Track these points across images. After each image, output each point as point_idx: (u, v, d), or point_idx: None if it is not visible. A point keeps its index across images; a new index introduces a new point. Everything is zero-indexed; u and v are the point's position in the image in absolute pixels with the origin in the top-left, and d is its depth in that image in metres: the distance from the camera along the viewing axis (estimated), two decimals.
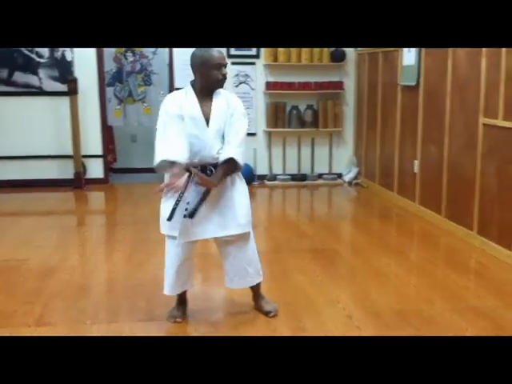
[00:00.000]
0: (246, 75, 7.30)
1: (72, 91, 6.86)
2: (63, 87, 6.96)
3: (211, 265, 4.08)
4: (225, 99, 3.12)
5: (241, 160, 3.09)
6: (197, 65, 3.05)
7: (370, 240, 4.98)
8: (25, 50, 6.94)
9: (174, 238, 3.13)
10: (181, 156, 2.95)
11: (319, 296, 3.69)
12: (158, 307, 3.47)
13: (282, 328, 3.24)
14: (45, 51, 6.99)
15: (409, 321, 3.33)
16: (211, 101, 3.09)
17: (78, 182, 7.01)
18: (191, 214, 3.05)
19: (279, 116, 7.36)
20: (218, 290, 3.69)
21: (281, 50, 7.15)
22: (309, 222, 5.74)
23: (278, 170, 7.49)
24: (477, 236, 4.69)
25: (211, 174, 3.06)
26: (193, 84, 3.12)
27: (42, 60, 7.00)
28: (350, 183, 7.36)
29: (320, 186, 7.36)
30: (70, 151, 6.99)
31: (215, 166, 3.07)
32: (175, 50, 7.06)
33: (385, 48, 6.32)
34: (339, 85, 7.40)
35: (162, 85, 7.56)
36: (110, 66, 7.63)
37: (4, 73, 6.96)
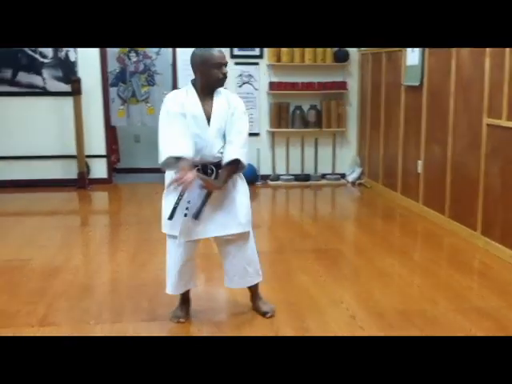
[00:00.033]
0: (250, 75, 7.30)
1: (75, 91, 6.87)
2: (67, 87, 6.97)
3: (214, 265, 4.07)
4: (225, 98, 3.13)
5: (245, 160, 3.10)
6: (197, 64, 3.06)
7: (373, 240, 4.98)
8: (28, 51, 6.96)
9: (174, 237, 3.13)
10: (187, 151, 2.96)
11: (322, 296, 3.69)
12: (161, 307, 3.47)
13: (285, 328, 3.24)
14: (48, 51, 7.00)
15: (412, 321, 3.33)
16: (212, 100, 3.09)
17: (82, 182, 7.03)
18: (196, 216, 3.05)
19: (282, 116, 7.36)
20: (221, 290, 3.69)
21: (284, 50, 7.15)
22: (312, 222, 5.74)
23: (281, 170, 7.49)
24: (480, 236, 4.68)
25: (212, 173, 3.06)
26: (193, 83, 3.12)
27: (45, 60, 7.01)
28: (353, 183, 7.35)
29: (323, 186, 7.36)
30: (73, 151, 7.01)
31: (216, 165, 3.07)
32: (178, 51, 7.06)
33: (388, 48, 6.31)
34: (342, 85, 7.40)
35: (166, 85, 7.56)
36: (114, 67, 7.64)
37: (8, 73, 6.98)
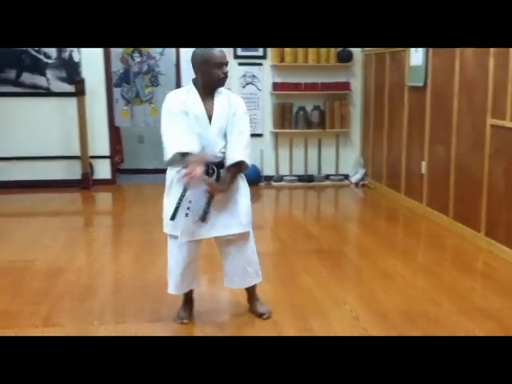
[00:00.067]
0: (253, 76, 7.30)
1: (79, 92, 6.88)
2: (71, 88, 6.98)
3: (217, 266, 4.06)
4: (226, 98, 3.13)
5: (249, 161, 3.11)
6: (198, 63, 3.06)
7: (376, 241, 4.97)
8: (32, 51, 6.98)
9: (176, 237, 3.14)
10: (193, 147, 2.97)
11: (326, 297, 3.68)
12: (164, 308, 3.48)
13: (288, 329, 3.23)
14: (52, 52, 7.02)
15: (416, 322, 3.32)
16: (213, 99, 3.09)
17: (86, 183, 7.04)
18: (203, 218, 3.05)
19: (286, 117, 7.36)
20: (224, 291, 3.68)
21: (287, 50, 7.15)
22: (315, 223, 5.73)
23: (284, 170, 7.49)
24: (484, 237, 4.67)
25: (213, 173, 3.06)
26: (195, 82, 3.12)
27: (49, 61, 7.03)
28: (356, 184, 7.34)
29: (327, 187, 7.35)
30: (77, 152, 7.02)
31: (217, 164, 3.07)
32: (182, 51, 7.07)
33: (392, 48, 6.31)
34: (346, 85, 7.39)
35: (169, 85, 7.56)
36: (118, 67, 7.65)
37: (12, 74, 6.99)
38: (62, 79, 7.06)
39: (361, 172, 7.40)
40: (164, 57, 7.75)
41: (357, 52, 7.35)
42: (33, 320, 3.33)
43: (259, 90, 7.33)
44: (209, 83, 3.07)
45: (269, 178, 7.38)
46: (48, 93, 7.07)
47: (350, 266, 4.44)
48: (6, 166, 7.05)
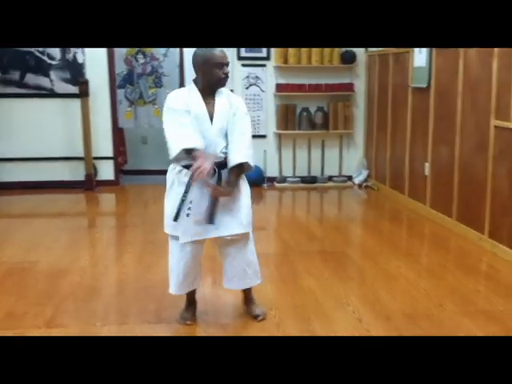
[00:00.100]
0: (257, 77, 7.30)
1: (83, 93, 6.89)
2: (74, 89, 6.99)
3: (220, 267, 4.06)
4: (227, 98, 3.13)
5: (252, 162, 3.12)
6: (198, 64, 3.07)
7: (380, 243, 4.97)
8: (36, 53, 6.99)
9: (177, 237, 3.15)
10: (199, 142, 2.98)
11: (328, 298, 3.68)
12: (167, 309, 3.48)
13: (291, 330, 3.23)
14: (56, 53, 7.03)
15: (419, 324, 3.32)
16: (213, 100, 3.10)
17: (89, 184, 7.05)
18: (211, 220, 3.07)
19: (289, 118, 7.36)
20: (227, 292, 3.68)
21: (291, 51, 7.15)
22: (318, 225, 5.73)
23: (287, 172, 7.49)
24: (488, 239, 4.66)
25: (214, 174, 3.06)
26: (196, 82, 3.13)
27: (53, 62, 7.04)
28: (360, 186, 7.34)
29: (330, 188, 7.35)
30: (81, 153, 7.03)
31: (218, 165, 3.07)
32: (186, 52, 7.06)
33: (395, 48, 6.31)
34: (350, 87, 7.39)
35: (173, 86, 7.56)
36: (121, 68, 7.67)
37: (16, 75, 7.01)
38: (66, 80, 7.08)
39: (364, 173, 7.40)
40: (168, 58, 7.76)
41: (360, 53, 7.35)
42: (36, 321, 3.34)
43: (263, 91, 7.33)
44: (209, 83, 3.07)
45: (272, 180, 7.38)
46: (52, 94, 7.08)
47: (353, 267, 4.44)
48: (10, 167, 7.07)
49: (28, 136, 7.06)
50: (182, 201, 3.04)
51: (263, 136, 7.36)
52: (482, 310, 3.54)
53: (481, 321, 3.36)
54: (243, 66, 7.22)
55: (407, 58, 6.10)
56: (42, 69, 7.03)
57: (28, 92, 7.04)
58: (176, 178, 3.11)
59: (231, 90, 3.43)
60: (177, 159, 3.03)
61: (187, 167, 3.06)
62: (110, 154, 7.30)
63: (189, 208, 3.07)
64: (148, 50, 7.73)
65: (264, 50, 7.26)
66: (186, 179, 3.06)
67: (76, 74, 7.04)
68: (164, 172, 3.25)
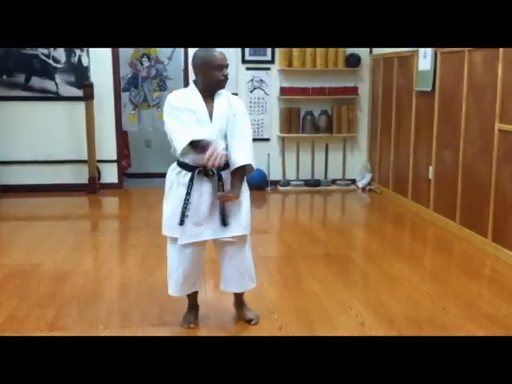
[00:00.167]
0: (261, 80, 7.31)
1: (88, 96, 6.91)
2: (79, 92, 7.01)
3: None
4: (226, 99, 3.14)
5: (254, 164, 3.13)
6: (198, 65, 3.07)
7: (383, 246, 4.96)
8: (42, 56, 7.02)
9: (176, 239, 3.15)
10: (206, 134, 2.98)
11: (332, 302, 3.68)
12: (169, 312, 3.48)
13: (293, 334, 3.23)
14: (61, 56, 7.06)
15: (422, 328, 3.31)
16: (213, 101, 3.10)
17: (93, 187, 7.06)
18: (224, 223, 3.10)
19: (293, 121, 7.36)
20: (229, 295, 3.67)
21: (295, 55, 7.15)
22: (322, 228, 5.72)
23: (291, 175, 7.49)
24: (491, 243, 4.65)
25: (213, 175, 3.07)
26: (196, 83, 3.14)
27: (58, 65, 7.07)
28: (363, 189, 7.33)
29: (333, 191, 7.34)
30: (84, 156, 7.05)
31: (217, 167, 3.07)
32: (190, 56, 7.07)
33: (399, 47, 6.31)
34: (354, 90, 7.39)
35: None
36: (126, 72, 7.68)
37: (21, 78, 7.04)
38: (71, 83, 7.10)
39: (368, 177, 7.39)
40: (172, 61, 7.77)
41: (365, 56, 7.34)
42: (39, 324, 3.34)
43: (267, 94, 7.33)
44: (209, 85, 3.08)
45: (275, 183, 7.38)
46: (57, 97, 7.10)
47: (356, 270, 4.43)
48: (14, 170, 7.08)
49: (32, 139, 7.08)
50: (186, 204, 3.05)
51: (267, 139, 7.36)
52: (485, 313, 3.53)
53: (484, 324, 3.35)
54: (247, 69, 7.23)
55: (412, 61, 6.09)
56: (47, 72, 7.05)
57: (33, 95, 7.06)
58: (175, 179, 3.11)
59: (235, 94, 3.45)
60: (182, 154, 3.02)
61: (186, 168, 3.07)
62: (114, 157, 7.31)
63: (188, 209, 3.07)
64: (153, 54, 7.75)
65: (268, 53, 7.27)
66: (186, 180, 3.06)
67: (81, 77, 7.06)
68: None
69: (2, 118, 7.01)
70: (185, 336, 3.21)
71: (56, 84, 7.08)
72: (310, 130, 7.36)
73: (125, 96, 7.69)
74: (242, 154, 3.07)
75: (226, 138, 3.10)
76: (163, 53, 7.74)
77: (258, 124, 7.35)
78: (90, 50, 7.03)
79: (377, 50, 7.19)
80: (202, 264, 3.33)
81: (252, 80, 7.29)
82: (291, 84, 7.30)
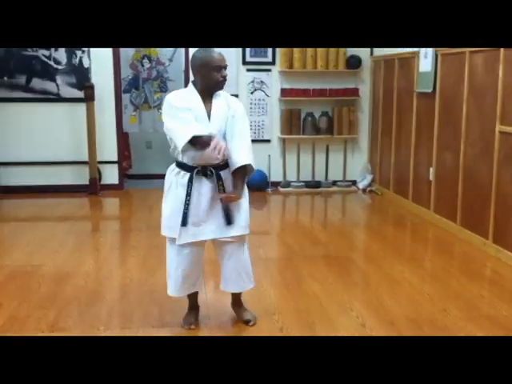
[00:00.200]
0: (261, 82, 7.31)
1: (89, 98, 6.91)
2: (80, 94, 7.02)
3: None
4: (225, 100, 3.14)
5: (254, 164, 3.14)
6: (197, 66, 3.08)
7: (384, 247, 4.96)
8: (43, 57, 7.02)
9: (175, 240, 3.15)
10: (207, 131, 2.99)
11: (332, 303, 3.68)
12: (170, 313, 3.48)
13: (294, 335, 3.22)
14: (62, 58, 7.06)
15: (423, 329, 3.31)
16: (211, 102, 3.11)
17: (94, 188, 7.06)
18: (229, 221, 3.11)
19: (294, 123, 7.36)
20: (230, 296, 3.68)
21: (296, 56, 7.15)
22: (322, 229, 5.72)
23: (292, 176, 7.49)
24: (492, 244, 4.65)
25: (212, 175, 3.08)
26: (194, 84, 3.14)
27: (59, 67, 7.07)
28: (364, 190, 7.33)
29: (334, 193, 7.34)
30: (85, 157, 7.05)
31: (215, 167, 3.08)
32: (191, 57, 7.08)
33: (399, 47, 6.31)
34: (354, 91, 7.39)
35: None
36: (127, 73, 7.69)
37: (22, 79, 7.04)
38: (72, 85, 7.10)
39: (368, 178, 7.39)
40: (173, 63, 7.77)
41: (365, 58, 7.35)
42: (39, 325, 3.34)
43: (267, 95, 7.34)
44: (208, 86, 3.08)
45: (276, 184, 7.38)
46: (58, 98, 7.11)
47: (357, 272, 4.43)
48: (15, 171, 7.09)
49: (33, 140, 7.08)
50: (187, 204, 3.06)
51: (267, 140, 7.37)
52: (486, 315, 3.53)
53: (485, 326, 3.35)
54: (248, 70, 7.24)
55: (412, 62, 6.09)
56: (48, 73, 7.06)
57: (34, 96, 7.07)
58: (174, 180, 3.12)
59: (236, 95, 3.44)
60: (184, 151, 3.01)
61: (185, 168, 3.08)
62: (115, 159, 7.31)
63: (188, 210, 3.08)
64: (154, 55, 7.76)
65: (269, 54, 7.27)
66: (185, 181, 3.07)
67: (82, 79, 7.07)
68: None
69: (3, 120, 7.02)
70: (185, 336, 3.21)
71: (57, 85, 7.09)
72: (310, 132, 7.36)
73: (125, 97, 7.69)
74: (243, 154, 3.08)
75: (224, 138, 3.10)
76: (164, 54, 7.74)
77: (259, 125, 7.36)
78: (91, 51, 7.04)
79: (377, 52, 7.19)
80: (203, 264, 3.33)
81: (253, 81, 7.29)
82: (292, 85, 7.30)
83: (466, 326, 3.34)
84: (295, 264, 4.47)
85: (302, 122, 7.38)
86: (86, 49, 7.03)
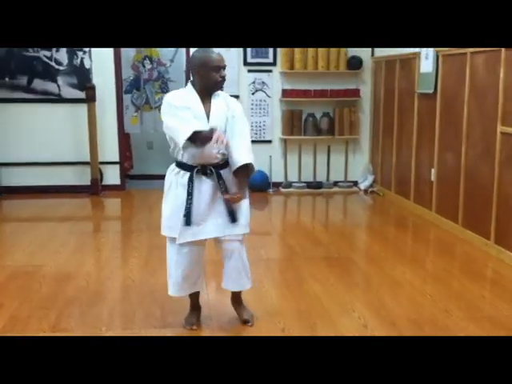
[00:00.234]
0: (263, 83, 7.31)
1: (90, 98, 6.92)
2: (81, 94, 7.02)
3: None
4: (224, 100, 3.15)
5: (255, 164, 3.14)
6: (196, 66, 3.08)
7: (385, 248, 4.95)
8: (44, 58, 7.03)
9: (175, 239, 3.15)
10: (207, 127, 2.99)
11: (334, 304, 3.67)
12: (172, 314, 3.48)
13: (296, 336, 3.22)
14: (64, 58, 7.07)
15: (424, 330, 3.31)
16: (210, 102, 3.11)
17: (95, 189, 7.07)
18: (233, 219, 3.11)
19: (295, 123, 7.36)
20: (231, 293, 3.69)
21: (297, 57, 7.15)
22: (324, 230, 5.72)
23: (293, 177, 7.49)
24: (494, 245, 4.64)
25: (211, 174, 3.08)
26: (193, 84, 3.14)
27: (60, 67, 7.08)
28: (365, 191, 7.33)
29: (335, 193, 7.34)
30: (87, 158, 7.05)
31: (215, 166, 3.08)
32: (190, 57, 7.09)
33: (400, 47, 6.31)
34: (356, 92, 7.39)
35: None
36: (128, 74, 7.70)
37: (23, 80, 7.05)
38: (73, 86, 7.10)
39: (370, 179, 7.39)
40: (174, 64, 7.79)
41: (367, 59, 7.35)
42: (41, 325, 3.34)
43: (268, 96, 7.34)
44: (206, 86, 3.09)
45: (277, 185, 7.38)
46: (59, 99, 7.12)
47: (358, 272, 4.43)
48: (17, 172, 7.09)
49: (35, 141, 7.09)
50: (189, 204, 3.06)
51: (269, 141, 7.37)
52: (487, 315, 3.52)
53: (486, 327, 3.35)
54: (249, 71, 7.24)
55: (413, 63, 6.09)
56: (50, 74, 7.06)
57: (35, 97, 7.07)
58: (174, 180, 3.13)
59: (237, 96, 3.44)
60: (184, 147, 3.01)
61: (185, 168, 3.08)
62: (116, 159, 7.32)
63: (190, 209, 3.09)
64: (155, 56, 7.77)
65: (270, 55, 7.27)
66: (185, 180, 3.07)
67: (83, 80, 7.07)
68: None
69: (4, 120, 7.02)
70: (187, 336, 3.21)
71: (58, 86, 7.09)
72: (311, 132, 7.36)
73: (127, 98, 7.70)
74: (243, 154, 3.09)
75: None
76: (165, 55, 7.76)
77: (260, 126, 7.36)
78: (92, 52, 7.04)
79: (378, 52, 7.19)
80: (203, 264, 3.33)
81: (254, 82, 7.29)
82: (293, 86, 7.31)
83: (467, 327, 3.34)
84: (297, 265, 4.47)
85: (303, 122, 7.38)
86: (87, 50, 7.03)
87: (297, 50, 7.12)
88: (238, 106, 3.20)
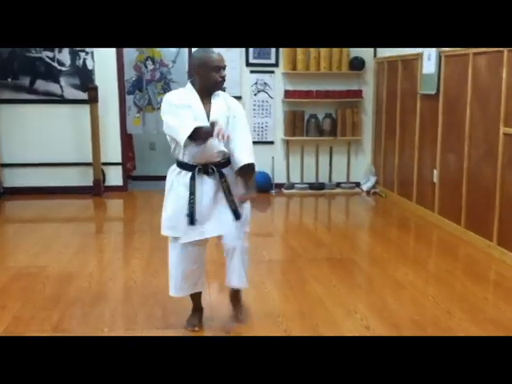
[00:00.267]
0: (265, 83, 7.31)
1: (92, 99, 6.92)
2: (84, 95, 7.03)
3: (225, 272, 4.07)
4: (224, 100, 3.16)
5: (256, 164, 3.15)
6: (196, 66, 3.09)
7: (388, 250, 4.95)
8: (46, 59, 7.04)
9: (176, 239, 3.16)
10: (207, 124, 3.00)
11: (336, 306, 3.67)
12: (174, 315, 3.48)
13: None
14: (66, 59, 7.07)
15: (427, 331, 3.30)
16: (210, 102, 3.12)
17: (98, 190, 7.07)
18: (238, 217, 3.11)
19: (297, 124, 7.36)
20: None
21: (299, 58, 7.15)
22: (326, 231, 5.72)
23: (295, 178, 7.48)
24: (496, 247, 4.63)
25: (213, 173, 3.09)
26: (193, 84, 3.15)
27: (63, 68, 7.08)
28: (368, 192, 7.32)
29: (338, 194, 7.34)
30: (89, 159, 7.06)
31: (216, 164, 3.08)
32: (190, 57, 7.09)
33: (403, 47, 6.31)
34: (358, 93, 7.39)
35: None
36: (131, 75, 7.70)
37: (26, 81, 7.06)
38: (76, 86, 7.11)
39: (372, 180, 7.38)
40: (176, 64, 7.79)
41: (369, 60, 7.34)
42: (43, 326, 3.35)
43: (271, 97, 7.34)
44: (206, 86, 3.09)
45: (280, 186, 7.37)
46: (61, 100, 7.12)
47: (360, 274, 4.43)
48: (19, 172, 7.10)
49: (37, 142, 7.09)
50: (192, 204, 3.06)
51: (271, 142, 7.37)
52: (490, 317, 3.52)
53: (489, 329, 3.34)
54: (252, 72, 7.24)
55: (416, 64, 6.09)
56: (52, 75, 7.07)
57: (38, 98, 7.08)
58: (175, 180, 3.13)
59: (239, 97, 3.44)
60: (185, 146, 3.01)
61: (186, 167, 3.08)
62: (119, 160, 7.32)
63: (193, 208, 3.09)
64: (157, 57, 7.77)
65: (272, 56, 7.28)
66: (186, 180, 3.07)
67: (85, 81, 7.08)
68: None
69: (7, 121, 7.03)
70: (189, 336, 3.20)
71: (61, 87, 7.10)
72: (314, 133, 7.36)
73: (129, 99, 7.71)
74: (245, 154, 3.10)
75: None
76: (167, 56, 7.77)
77: (262, 127, 7.36)
78: (95, 53, 7.05)
79: (381, 53, 7.19)
80: (204, 264, 3.32)
81: (256, 83, 7.29)
82: (295, 87, 7.30)
83: (470, 329, 3.33)
84: (299, 266, 4.47)
85: (306, 123, 7.38)
86: (89, 51, 7.04)
87: (299, 51, 7.12)
88: (238, 106, 3.21)
